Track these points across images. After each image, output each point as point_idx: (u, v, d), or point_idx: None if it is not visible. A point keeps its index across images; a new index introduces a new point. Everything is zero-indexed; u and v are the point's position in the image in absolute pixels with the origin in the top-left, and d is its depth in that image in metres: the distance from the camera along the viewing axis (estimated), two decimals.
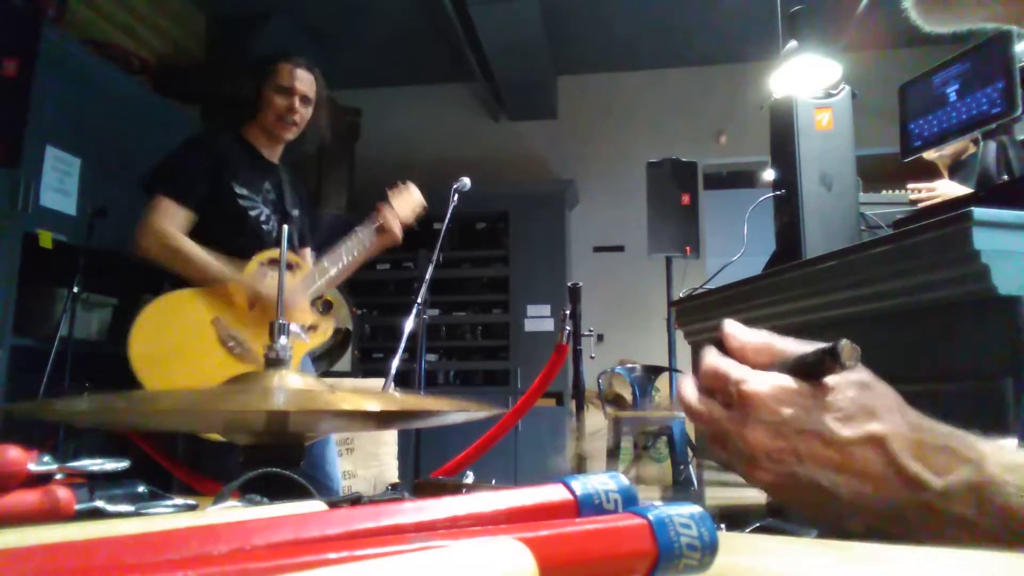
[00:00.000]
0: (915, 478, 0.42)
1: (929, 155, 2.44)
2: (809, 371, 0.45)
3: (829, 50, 2.03)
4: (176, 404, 0.66)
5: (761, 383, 0.45)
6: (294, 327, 0.76)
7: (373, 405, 0.63)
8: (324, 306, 1.96)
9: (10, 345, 2.68)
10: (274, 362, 0.70)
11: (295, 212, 2.04)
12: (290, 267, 1.91)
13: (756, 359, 0.48)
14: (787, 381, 0.45)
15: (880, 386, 0.46)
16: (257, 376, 0.70)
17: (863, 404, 0.44)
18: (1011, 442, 0.42)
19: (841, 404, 0.44)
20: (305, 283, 1.90)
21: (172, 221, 1.81)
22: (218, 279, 1.80)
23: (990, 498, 0.40)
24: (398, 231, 2.04)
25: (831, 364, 0.44)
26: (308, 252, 2.14)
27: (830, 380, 0.44)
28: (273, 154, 2.03)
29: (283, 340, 0.71)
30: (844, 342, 0.44)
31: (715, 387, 0.48)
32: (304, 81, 1.97)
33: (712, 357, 0.48)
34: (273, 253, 1.89)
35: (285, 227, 0.92)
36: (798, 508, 0.46)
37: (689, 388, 0.50)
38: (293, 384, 0.66)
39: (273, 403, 0.60)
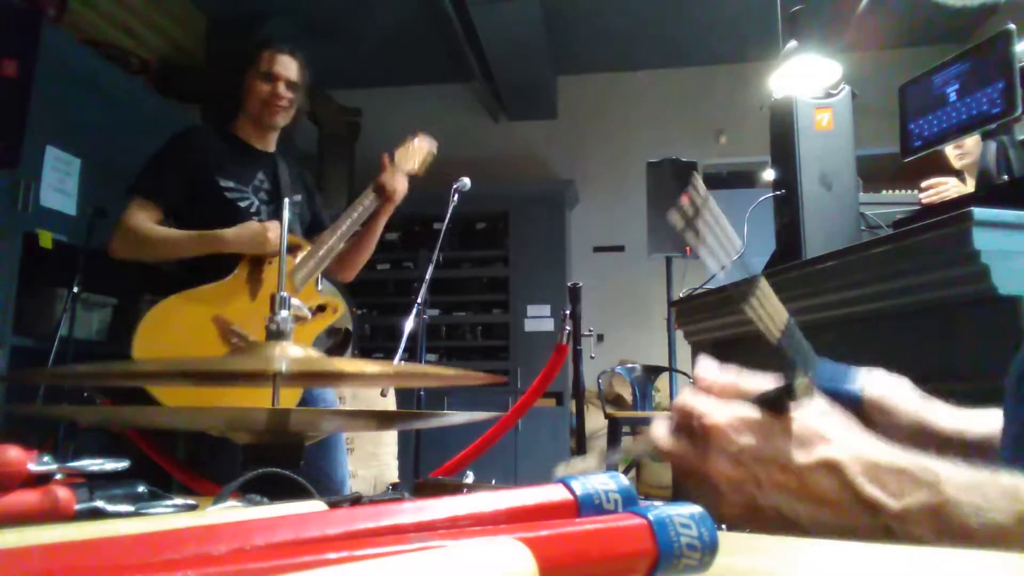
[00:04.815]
0: (872, 501, 0.42)
1: (956, 164, 2.44)
2: (769, 406, 0.47)
3: (829, 50, 2.02)
4: (176, 367, 0.66)
5: (721, 415, 0.47)
6: (295, 301, 0.76)
7: (373, 368, 0.63)
8: (318, 307, 1.93)
9: (10, 345, 2.68)
10: (275, 334, 0.70)
11: (296, 198, 2.02)
12: (291, 249, 1.88)
13: (723, 396, 0.50)
14: (746, 412, 0.47)
15: (836, 414, 0.47)
16: (258, 346, 0.69)
17: (817, 431, 0.45)
18: (966, 470, 0.42)
19: (796, 431, 0.45)
20: (304, 264, 1.88)
21: (139, 216, 1.83)
22: (198, 248, 1.79)
23: (948, 519, 0.40)
24: (399, 187, 1.99)
25: (787, 400, 0.46)
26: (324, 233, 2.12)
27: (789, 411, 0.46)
28: (266, 143, 2.02)
29: (283, 313, 0.71)
30: (799, 381, 0.47)
31: (682, 424, 0.50)
32: (286, 66, 1.96)
33: (682, 396, 0.51)
34: (271, 226, 1.87)
35: (286, 200, 0.91)
36: (763, 532, 0.47)
37: (660, 429, 0.52)
38: (294, 354, 0.66)
39: (275, 366, 0.60)
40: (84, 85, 3.08)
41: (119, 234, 1.83)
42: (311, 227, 2.09)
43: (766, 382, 0.49)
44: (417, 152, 2.08)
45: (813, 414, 0.46)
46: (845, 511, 0.43)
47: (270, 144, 2.03)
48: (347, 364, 0.65)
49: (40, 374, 2.01)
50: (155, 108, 3.58)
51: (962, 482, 0.41)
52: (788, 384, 0.47)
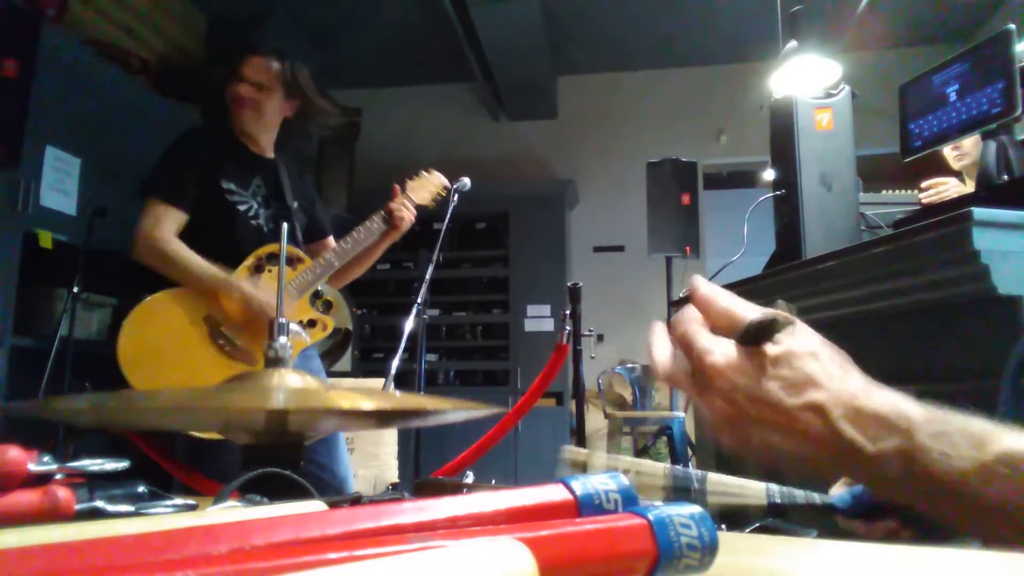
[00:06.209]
0: (850, 443, 0.46)
1: (955, 165, 2.44)
2: (757, 337, 0.50)
3: (829, 50, 2.03)
4: (175, 402, 0.66)
5: (720, 356, 0.51)
6: (293, 326, 0.76)
7: (369, 404, 0.63)
8: (324, 306, 1.95)
9: (10, 345, 2.68)
10: (273, 361, 0.70)
11: (294, 205, 2.02)
12: (290, 262, 1.89)
13: (718, 324, 0.53)
14: (743, 354, 0.50)
15: (827, 354, 0.50)
16: (256, 375, 0.69)
17: (807, 374, 0.48)
18: (939, 417, 0.46)
19: (786, 375, 0.48)
20: (300, 278, 1.89)
21: (165, 225, 1.81)
22: (211, 287, 1.79)
23: (915, 464, 0.44)
24: (408, 217, 2.01)
25: (774, 327, 0.50)
26: (330, 241, 2.12)
27: (779, 351, 0.49)
28: (262, 148, 2.02)
29: (282, 339, 0.71)
30: (781, 305, 0.51)
31: (683, 350, 0.53)
32: (256, 67, 1.95)
33: (684, 320, 0.54)
34: (270, 248, 1.88)
35: (284, 225, 0.91)
36: (754, 464, 0.52)
37: (662, 347, 0.55)
38: (292, 383, 0.66)
39: (272, 402, 0.60)
40: (84, 85, 3.08)
41: (142, 241, 1.80)
42: (310, 233, 2.10)
43: (756, 309, 0.52)
44: (429, 185, 2.10)
45: (801, 356, 0.49)
46: (826, 449, 0.47)
47: (267, 149, 2.03)
48: (343, 399, 0.65)
49: (38, 407, 2.01)
50: (155, 108, 3.58)
51: (932, 429, 0.44)
52: (772, 316, 0.50)
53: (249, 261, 1.84)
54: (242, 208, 1.90)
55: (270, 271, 1.86)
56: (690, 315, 0.54)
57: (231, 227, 1.86)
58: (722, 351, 0.51)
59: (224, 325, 1.79)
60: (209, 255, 1.81)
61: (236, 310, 1.79)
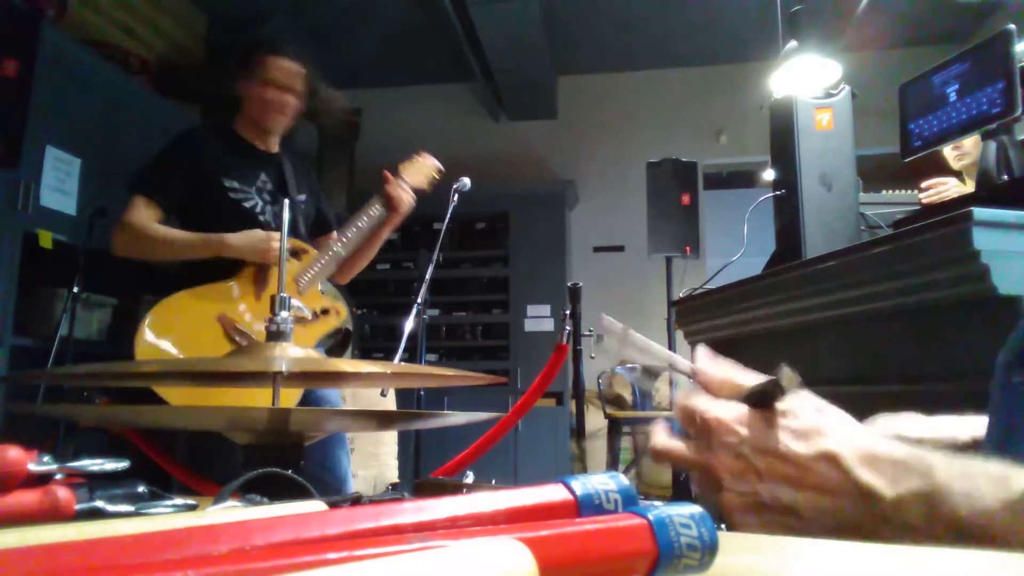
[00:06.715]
0: (869, 488, 0.44)
1: (955, 165, 2.44)
2: (761, 400, 0.50)
3: (829, 50, 2.03)
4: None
5: (723, 410, 0.50)
6: (295, 302, 0.77)
7: (371, 368, 0.63)
8: (322, 310, 1.94)
9: (10, 345, 2.68)
10: (275, 335, 0.70)
11: (300, 198, 2.03)
12: (296, 254, 1.90)
13: (721, 391, 0.52)
14: (745, 409, 0.50)
15: (832, 410, 0.49)
16: (259, 347, 0.70)
17: (815, 425, 0.47)
18: (958, 460, 0.44)
19: (795, 425, 0.47)
20: (308, 270, 1.89)
21: (142, 213, 1.83)
22: (202, 250, 1.79)
23: (939, 506, 0.42)
24: (408, 200, 2.02)
25: (777, 391, 0.49)
26: (334, 236, 2.13)
27: (785, 405, 0.48)
28: (268, 144, 2.02)
29: (284, 314, 0.71)
30: (785, 371, 0.50)
31: (685, 421, 0.52)
32: (288, 72, 1.95)
33: (684, 397, 0.53)
34: (275, 236, 1.88)
35: (286, 201, 0.91)
36: (766, 529, 0.49)
37: (661, 433, 0.54)
38: (294, 354, 0.66)
39: (275, 367, 0.60)
40: (84, 85, 3.08)
41: (120, 231, 1.83)
42: (316, 227, 2.10)
43: (759, 377, 0.52)
44: (422, 167, 2.11)
45: (809, 411, 0.48)
46: (843, 499, 0.45)
47: (272, 145, 2.03)
48: (346, 364, 0.65)
49: (42, 374, 2.01)
50: (155, 108, 3.58)
51: (953, 471, 0.43)
52: (775, 380, 0.50)
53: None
54: (247, 205, 1.90)
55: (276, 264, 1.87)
56: (691, 392, 0.54)
57: (236, 224, 1.87)
58: (725, 407, 0.50)
59: (239, 322, 1.80)
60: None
61: (248, 299, 1.79)
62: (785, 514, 0.47)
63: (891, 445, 0.45)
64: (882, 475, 0.44)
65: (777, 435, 0.47)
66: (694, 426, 0.51)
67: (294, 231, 1.95)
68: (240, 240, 1.80)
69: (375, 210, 1.99)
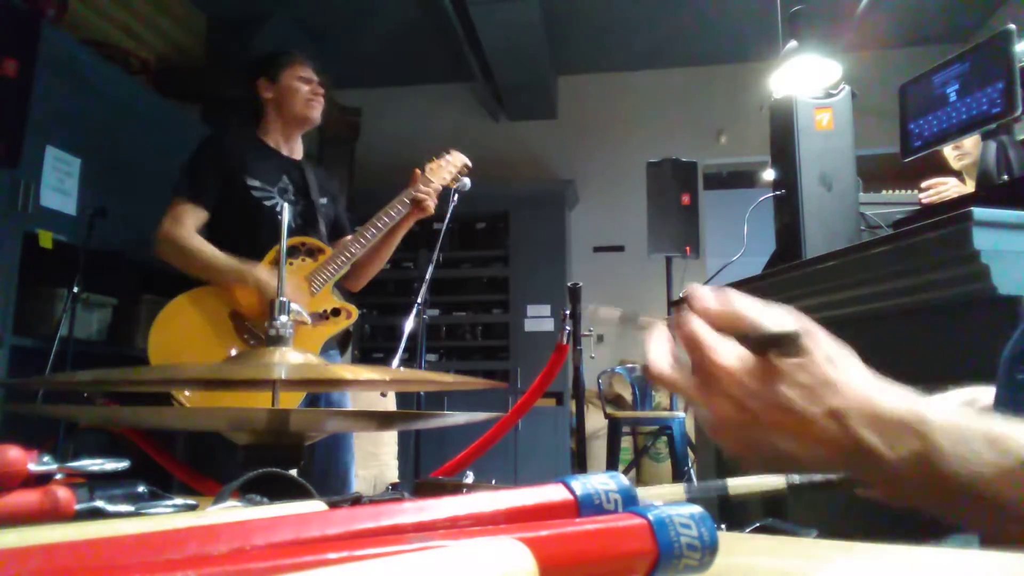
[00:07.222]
0: (868, 448, 0.45)
1: (955, 165, 2.44)
2: (771, 348, 0.47)
3: (829, 50, 2.02)
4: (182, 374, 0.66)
5: (732, 358, 0.47)
6: (294, 305, 0.77)
7: (371, 375, 0.63)
8: (333, 310, 1.95)
9: (10, 345, 2.68)
10: (275, 339, 0.70)
11: (322, 201, 2.06)
12: (312, 253, 1.93)
13: (723, 325, 0.49)
14: (757, 359, 0.47)
15: (844, 357, 0.48)
16: (258, 353, 0.70)
17: (826, 379, 0.46)
18: (958, 420, 0.44)
19: (805, 381, 0.46)
20: (322, 269, 1.90)
21: (184, 222, 1.86)
22: (229, 278, 1.82)
23: (935, 469, 0.43)
24: (433, 205, 2.05)
25: (791, 347, 0.47)
26: (350, 238, 2.15)
27: (797, 360, 0.47)
28: (292, 150, 2.07)
29: (283, 319, 0.71)
30: (799, 333, 0.47)
31: (688, 348, 0.50)
32: (308, 71, 2.08)
33: (687, 321, 0.50)
34: (293, 241, 1.90)
35: (286, 204, 0.92)
36: (757, 465, 0.50)
37: (660, 347, 0.52)
38: (294, 360, 0.66)
39: (274, 374, 0.60)
40: (84, 85, 3.08)
41: (166, 240, 1.86)
42: (333, 231, 2.13)
43: (763, 315, 0.49)
44: (448, 166, 2.13)
45: (819, 360, 0.47)
46: (842, 454, 0.45)
47: (296, 152, 2.09)
48: (345, 371, 0.65)
49: (44, 380, 2.01)
50: (155, 108, 3.58)
51: (952, 433, 0.43)
52: (794, 334, 0.47)
53: (272, 255, 1.87)
54: (268, 204, 1.94)
55: (291, 263, 1.89)
56: (695, 316, 0.50)
57: (258, 222, 1.91)
58: (734, 353, 0.48)
59: (250, 321, 1.82)
60: (235, 250, 1.84)
61: (253, 302, 1.81)
62: (781, 457, 0.47)
63: (895, 400, 0.45)
64: (883, 436, 0.44)
65: (786, 391, 0.46)
66: (696, 357, 0.49)
67: (315, 232, 1.99)
68: (265, 283, 1.80)
69: (396, 211, 2.00)
